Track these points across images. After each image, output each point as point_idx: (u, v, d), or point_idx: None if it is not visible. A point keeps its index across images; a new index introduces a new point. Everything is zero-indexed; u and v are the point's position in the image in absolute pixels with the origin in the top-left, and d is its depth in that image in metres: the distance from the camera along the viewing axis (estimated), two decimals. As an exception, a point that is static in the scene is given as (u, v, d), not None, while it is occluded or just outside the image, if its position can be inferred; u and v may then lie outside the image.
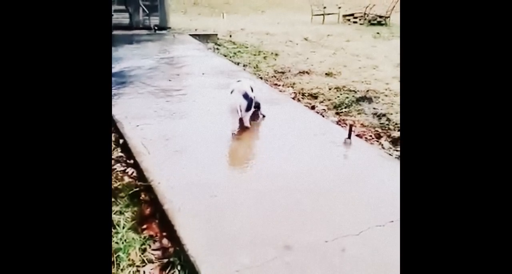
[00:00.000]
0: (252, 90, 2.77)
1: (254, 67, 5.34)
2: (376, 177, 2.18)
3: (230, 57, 5.98)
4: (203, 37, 7.47)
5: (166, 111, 3.11)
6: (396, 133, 2.94)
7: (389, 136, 2.94)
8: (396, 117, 3.27)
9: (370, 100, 3.79)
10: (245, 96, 2.66)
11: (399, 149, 2.71)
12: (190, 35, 7.60)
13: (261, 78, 4.73)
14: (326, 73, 4.97)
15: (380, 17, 11.30)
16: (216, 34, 7.86)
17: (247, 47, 6.94)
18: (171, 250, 1.63)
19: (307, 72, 5.05)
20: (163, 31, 8.02)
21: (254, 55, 6.24)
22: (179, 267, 1.51)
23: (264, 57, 6.06)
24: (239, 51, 6.48)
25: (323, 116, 3.38)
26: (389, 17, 11.15)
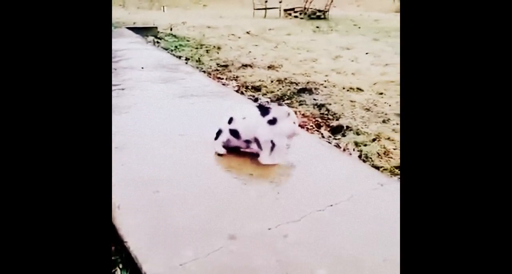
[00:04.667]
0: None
1: (197, 61, 5.27)
2: (317, 165, 2.27)
3: (171, 50, 5.85)
4: (143, 31, 7.21)
5: (104, 107, 2.97)
6: (335, 123, 3.07)
7: (328, 125, 3.07)
8: (334, 107, 3.42)
9: (310, 91, 3.92)
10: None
11: (338, 137, 2.84)
12: (129, 28, 7.29)
13: (204, 72, 4.68)
14: (268, 66, 5.04)
15: (319, 11, 11.67)
16: (156, 28, 7.62)
17: (188, 41, 6.83)
18: (112, 248, 1.57)
19: (250, 65, 5.09)
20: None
21: (196, 48, 6.15)
22: (120, 266, 1.46)
23: (207, 51, 6.00)
24: (180, 45, 6.35)
25: (266, 108, 3.43)
26: (327, 11, 11.56)
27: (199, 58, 5.42)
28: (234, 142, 2.24)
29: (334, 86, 4.12)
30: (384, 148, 2.58)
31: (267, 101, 2.93)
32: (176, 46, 6.20)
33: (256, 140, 2.17)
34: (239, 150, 2.26)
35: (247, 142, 2.21)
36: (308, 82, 4.24)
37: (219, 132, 2.27)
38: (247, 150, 2.26)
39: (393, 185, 2.09)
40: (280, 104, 2.32)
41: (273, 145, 2.15)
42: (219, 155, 2.25)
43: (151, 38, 6.77)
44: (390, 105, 3.42)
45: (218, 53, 5.90)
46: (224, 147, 2.26)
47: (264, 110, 2.14)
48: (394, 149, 2.56)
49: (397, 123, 2.99)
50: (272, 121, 2.10)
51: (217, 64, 5.15)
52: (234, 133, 2.20)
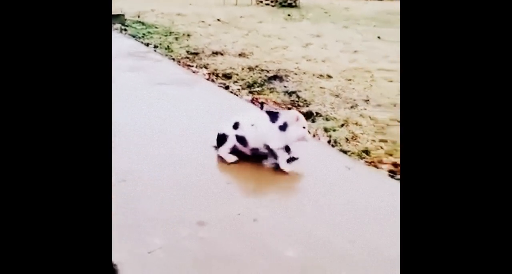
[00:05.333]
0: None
1: (166, 48, 5.15)
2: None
3: (139, 38, 5.69)
4: (109, 17, 6.94)
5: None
6: (305, 109, 3.10)
7: (298, 112, 3.09)
8: (304, 94, 3.44)
9: (281, 79, 3.93)
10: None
11: (308, 122, 2.87)
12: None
13: (173, 59, 4.59)
14: (239, 54, 5.00)
15: (290, -1, 11.63)
16: (123, 15, 7.37)
17: (157, 28, 6.66)
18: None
19: (220, 53, 5.03)
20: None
21: (165, 36, 6.01)
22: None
23: (176, 38, 5.88)
24: (149, 32, 6.18)
25: (237, 95, 3.42)
26: (298, -1, 11.54)
27: (168, 46, 5.30)
28: (240, 149, 2.07)
29: (304, 73, 4.14)
30: (352, 133, 2.63)
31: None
32: (144, 34, 6.03)
33: (268, 148, 2.02)
34: (242, 157, 2.09)
35: (254, 149, 2.06)
36: (279, 70, 4.24)
37: (223, 138, 2.07)
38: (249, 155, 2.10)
39: (360, 168, 2.14)
40: (289, 109, 2.25)
41: (288, 150, 2.05)
42: (229, 163, 2.04)
43: (117, 25, 6.55)
44: (358, 92, 3.48)
45: (187, 40, 5.79)
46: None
47: (273, 116, 2.02)
48: (362, 134, 2.62)
49: (365, 109, 3.06)
50: (283, 127, 1.98)
51: (187, 51, 5.06)
52: (241, 140, 2.04)
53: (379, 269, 1.41)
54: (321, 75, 4.00)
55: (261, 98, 3.39)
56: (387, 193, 1.90)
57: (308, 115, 2.99)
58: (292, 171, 2.01)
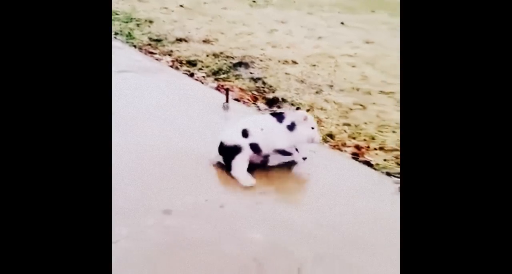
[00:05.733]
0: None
1: (127, 35, 4.97)
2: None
3: (99, 25, 5.44)
4: (64, 3, 6.60)
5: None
6: (271, 95, 3.11)
7: (264, 98, 3.10)
8: (270, 80, 3.45)
9: (246, 65, 3.91)
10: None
11: (274, 109, 2.89)
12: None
13: (134, 46, 4.45)
14: (203, 40, 4.91)
15: (255, -15, 11.50)
16: (80, 0, 7.02)
17: (117, 14, 6.40)
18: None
19: (184, 39, 4.92)
20: None
21: (126, 22, 5.80)
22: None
23: (137, 25, 5.68)
24: (108, 19, 5.93)
25: (202, 83, 3.38)
26: (263, -15, 11.43)
27: (129, 33, 5.12)
28: (254, 159, 1.86)
29: (270, 59, 4.14)
30: (317, 117, 2.67)
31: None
32: (103, 20, 5.79)
33: (279, 151, 1.89)
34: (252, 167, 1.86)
35: (266, 156, 1.90)
36: (244, 56, 4.21)
37: (235, 150, 1.77)
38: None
39: (324, 151, 2.19)
40: (297, 109, 2.14)
41: (297, 151, 1.95)
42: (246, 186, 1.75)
43: (74, 11, 6.23)
44: (322, 77, 3.53)
45: (150, 27, 5.61)
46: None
47: (279, 116, 1.90)
48: (326, 118, 2.67)
49: (329, 94, 3.11)
50: (291, 127, 1.86)
51: (149, 38, 4.91)
52: (255, 148, 1.82)
53: (339, 244, 1.47)
54: (286, 61, 4.01)
55: (227, 85, 3.36)
56: (350, 174, 1.96)
57: (274, 101, 3.01)
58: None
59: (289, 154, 1.92)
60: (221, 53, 4.32)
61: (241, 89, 3.33)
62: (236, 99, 3.01)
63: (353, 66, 3.72)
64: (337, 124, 2.58)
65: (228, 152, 1.77)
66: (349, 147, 2.30)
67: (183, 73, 3.58)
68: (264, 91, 3.26)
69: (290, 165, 2.00)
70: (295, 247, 1.44)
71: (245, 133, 1.80)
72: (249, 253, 1.38)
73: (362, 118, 2.63)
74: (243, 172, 1.76)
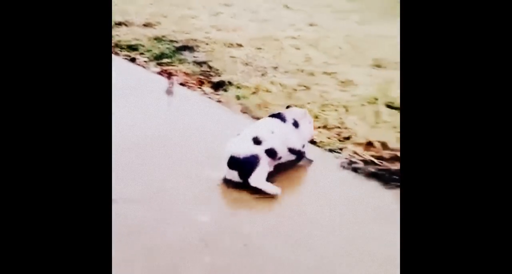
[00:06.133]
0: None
1: (60, 20, 4.65)
2: (199, 119, 2.29)
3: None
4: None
5: None
6: (217, 79, 3.08)
7: (210, 82, 3.07)
8: (216, 64, 3.41)
9: (191, 49, 3.83)
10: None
11: (220, 93, 2.88)
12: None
13: (69, 31, 4.17)
14: (144, 24, 4.72)
15: (197, -34, 11.19)
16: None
17: None
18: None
19: (124, 23, 4.69)
20: None
21: (59, 5, 5.40)
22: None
23: (72, 8, 5.32)
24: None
25: (145, 68, 3.27)
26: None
27: (62, 17, 4.79)
28: (270, 164, 1.74)
29: (215, 43, 4.08)
30: (263, 99, 2.70)
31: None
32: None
33: (293, 151, 1.83)
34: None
35: (278, 158, 1.79)
36: (188, 40, 4.12)
37: (254, 161, 1.63)
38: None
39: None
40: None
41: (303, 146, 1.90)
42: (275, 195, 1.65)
43: None
44: (267, 59, 3.55)
45: (86, 10, 5.27)
46: None
47: (279, 117, 1.85)
48: (272, 100, 2.70)
49: (274, 76, 3.14)
50: (296, 125, 1.84)
51: (86, 22, 4.63)
52: (271, 153, 1.72)
53: (286, 219, 1.52)
54: (231, 45, 3.98)
55: (170, 70, 3.28)
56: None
57: (220, 85, 2.99)
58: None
59: (299, 152, 1.85)
60: (164, 36, 4.19)
61: (186, 74, 3.26)
62: (181, 84, 2.96)
63: (297, 48, 3.78)
64: (283, 105, 2.62)
65: (245, 164, 1.62)
66: (294, 126, 2.36)
67: (124, 58, 3.44)
68: (210, 75, 3.22)
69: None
70: (238, 225, 1.47)
71: (257, 141, 1.68)
72: (195, 234, 1.39)
73: (306, 99, 2.70)
74: (264, 180, 1.65)
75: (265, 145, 1.68)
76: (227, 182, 1.67)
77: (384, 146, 2.05)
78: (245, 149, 1.63)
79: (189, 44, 3.93)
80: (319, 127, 2.34)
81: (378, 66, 3.24)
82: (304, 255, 1.35)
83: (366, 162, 1.93)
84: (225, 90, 2.89)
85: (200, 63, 3.44)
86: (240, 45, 3.99)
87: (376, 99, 2.59)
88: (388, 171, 1.86)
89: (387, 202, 1.68)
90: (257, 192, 1.62)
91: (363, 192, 1.72)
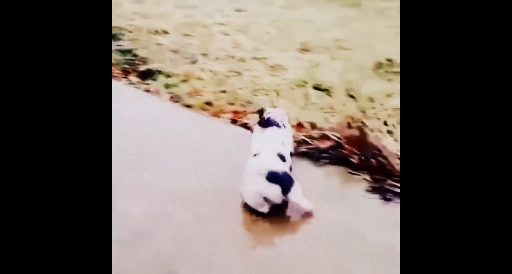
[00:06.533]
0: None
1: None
2: (130, 111, 2.20)
3: None
4: None
5: None
6: (143, 67, 2.96)
7: (136, 71, 2.94)
8: (142, 52, 3.26)
9: (114, 37, 3.61)
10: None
11: (148, 82, 2.77)
12: None
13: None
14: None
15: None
16: None
17: None
18: None
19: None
20: None
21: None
22: None
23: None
24: None
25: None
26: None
27: None
28: None
29: (139, 30, 3.90)
30: (193, 87, 2.65)
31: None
32: None
33: (291, 154, 1.78)
34: None
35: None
36: (111, 28, 3.88)
37: (291, 178, 1.58)
38: None
39: (203, 121, 2.21)
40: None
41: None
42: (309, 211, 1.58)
43: None
44: (196, 46, 3.48)
45: None
46: None
47: (269, 121, 1.79)
48: (203, 87, 2.66)
49: (205, 63, 3.09)
50: (284, 126, 1.81)
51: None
52: (291, 168, 1.71)
53: (219, 205, 1.53)
54: (157, 32, 3.83)
55: (93, 60, 3.07)
56: (229, 138, 2.02)
57: (148, 74, 2.88)
58: None
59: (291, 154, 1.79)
60: (83, 25, 3.91)
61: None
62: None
63: (226, 35, 3.75)
64: (214, 92, 2.60)
65: (284, 180, 1.57)
66: (227, 113, 2.35)
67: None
68: (136, 64, 3.08)
69: (173, 137, 1.97)
70: (176, 213, 1.45)
71: (282, 158, 1.65)
72: (129, 225, 1.35)
73: (238, 84, 2.70)
74: (299, 196, 1.58)
75: (288, 161, 1.68)
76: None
77: (313, 126, 2.13)
78: (279, 165, 1.59)
79: (112, 32, 3.71)
80: (252, 112, 2.37)
81: (305, 50, 3.34)
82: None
83: (298, 142, 2.00)
84: (154, 79, 2.79)
85: (124, 52, 3.27)
86: (166, 32, 3.86)
87: (305, 82, 2.68)
88: (318, 149, 1.94)
89: (318, 178, 1.76)
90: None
91: (296, 170, 1.78)
